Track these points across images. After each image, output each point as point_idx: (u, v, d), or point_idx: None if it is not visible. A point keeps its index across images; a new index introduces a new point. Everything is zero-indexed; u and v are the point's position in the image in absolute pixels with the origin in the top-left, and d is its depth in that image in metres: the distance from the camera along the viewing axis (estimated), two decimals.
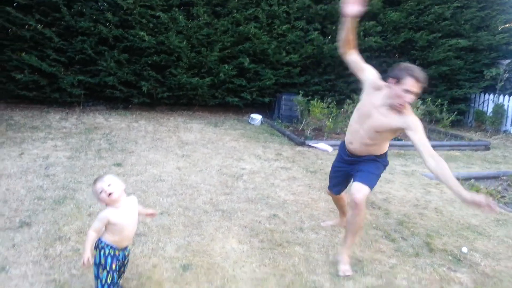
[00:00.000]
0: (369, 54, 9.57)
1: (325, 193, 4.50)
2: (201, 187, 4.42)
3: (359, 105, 2.93)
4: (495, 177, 5.85)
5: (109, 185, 2.20)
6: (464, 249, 3.32)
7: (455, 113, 9.03)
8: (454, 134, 8.74)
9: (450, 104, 9.42)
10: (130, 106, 8.87)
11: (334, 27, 9.31)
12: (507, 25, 10.46)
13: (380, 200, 4.44)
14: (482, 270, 2.99)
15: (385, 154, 3.03)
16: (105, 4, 7.95)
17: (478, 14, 9.86)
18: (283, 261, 2.89)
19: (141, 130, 7.04)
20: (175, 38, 8.13)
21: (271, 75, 8.98)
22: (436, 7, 9.55)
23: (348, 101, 8.23)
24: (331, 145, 6.86)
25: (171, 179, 4.61)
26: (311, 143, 6.87)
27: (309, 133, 7.55)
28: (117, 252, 2.24)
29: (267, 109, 9.69)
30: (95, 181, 2.25)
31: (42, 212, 3.43)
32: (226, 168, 5.22)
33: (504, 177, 5.83)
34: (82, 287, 2.43)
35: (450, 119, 8.60)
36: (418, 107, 8.04)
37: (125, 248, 2.32)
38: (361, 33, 9.26)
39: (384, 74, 9.86)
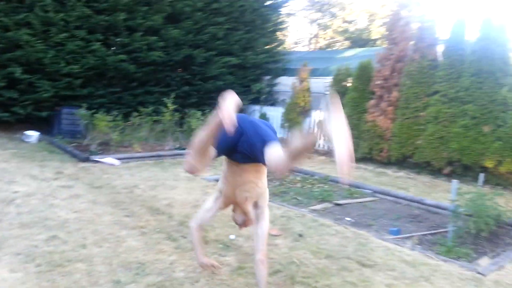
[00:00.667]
0: (153, 68, 10.01)
1: (110, 207, 4.58)
2: None
3: None
4: None
5: None
6: (232, 236, 3.99)
7: None
8: None
9: None
10: None
11: (117, 39, 9.33)
12: (266, 47, 12.65)
13: (164, 205, 4.80)
14: (244, 251, 3.67)
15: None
16: None
17: (245, 36, 11.59)
18: (63, 280, 2.87)
19: None
20: None
21: (49, 87, 8.32)
22: (210, 27, 10.74)
23: (135, 113, 8.40)
24: (120, 158, 6.90)
25: None
26: (97, 158, 6.74)
27: (95, 148, 7.37)
28: None
29: (45, 125, 8.90)
30: None
31: None
32: None
33: None
34: None
35: None
36: (198, 118, 8.89)
37: None
38: (145, 47, 9.58)
39: (168, 87, 10.48)
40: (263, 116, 11.42)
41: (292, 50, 21.06)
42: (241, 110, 9.88)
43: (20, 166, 5.99)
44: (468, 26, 7.35)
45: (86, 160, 6.64)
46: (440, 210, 5.44)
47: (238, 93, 9.82)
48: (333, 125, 1.81)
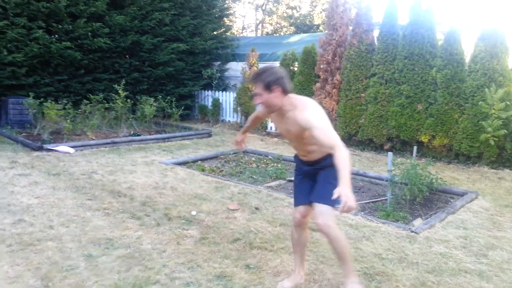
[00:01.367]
0: (100, 55, 9.86)
1: (71, 192, 4.68)
2: None
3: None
4: (215, 157, 7.36)
5: None
6: (193, 212, 4.26)
7: (183, 108, 10.47)
8: (184, 126, 10.17)
9: (178, 101, 10.80)
10: None
11: (60, 26, 9.08)
12: (214, 33, 12.78)
13: (125, 188, 4.96)
14: (206, 224, 3.97)
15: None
16: None
17: (192, 22, 11.64)
18: (36, 257, 3.03)
19: None
20: None
21: None
22: (156, 13, 10.69)
23: (85, 101, 8.31)
24: (74, 147, 6.88)
25: None
26: (50, 146, 6.68)
27: (47, 137, 7.26)
28: None
29: None
30: None
31: None
32: None
33: (222, 156, 7.41)
34: None
35: (179, 113, 9.94)
36: (151, 104, 8.96)
37: None
38: (89, 33, 9.40)
39: (118, 74, 10.44)
40: (216, 101, 11.65)
41: (240, 36, 21.26)
42: (192, 96, 9.92)
43: None
44: (400, 10, 7.96)
45: (40, 149, 6.56)
46: (381, 181, 6.00)
47: (189, 79, 10.12)
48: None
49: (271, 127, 10.43)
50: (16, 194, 4.45)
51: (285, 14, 26.41)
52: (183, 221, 4.03)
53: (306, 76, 9.11)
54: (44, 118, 7.73)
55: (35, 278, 2.74)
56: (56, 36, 9.14)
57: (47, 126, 7.64)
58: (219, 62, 12.51)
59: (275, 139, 9.53)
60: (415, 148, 5.63)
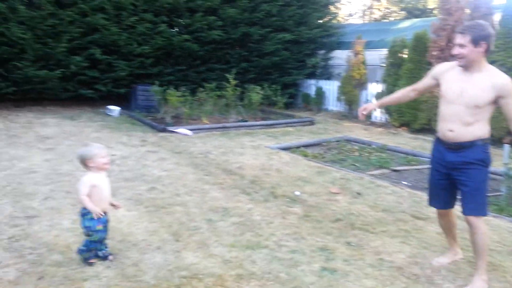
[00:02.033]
0: (213, 46, 10.69)
1: (192, 168, 5.33)
2: (77, 174, 4.74)
3: (444, 94, 2.72)
4: (318, 144, 7.57)
5: (106, 155, 2.72)
6: (297, 193, 4.57)
7: (287, 96, 10.83)
8: (288, 114, 10.54)
9: (282, 89, 11.19)
10: None
11: (180, 20, 10.07)
12: (320, 21, 12.84)
13: (235, 168, 5.47)
14: (309, 204, 4.25)
15: (488, 139, 2.67)
16: None
17: (298, 11, 11.87)
18: (167, 217, 3.63)
19: None
20: (17, 29, 7.74)
21: (125, 66, 9.26)
22: (265, 4, 11.15)
23: (201, 89, 9.16)
24: (191, 129, 7.70)
25: (43, 170, 4.79)
26: (172, 129, 7.57)
27: (169, 120, 8.21)
28: (101, 215, 2.73)
29: (123, 100, 9.94)
30: (95, 147, 2.70)
31: None
32: None
33: (324, 144, 7.59)
34: None
35: (283, 101, 10.33)
36: (258, 92, 9.47)
37: (105, 213, 2.77)
38: (205, 26, 10.25)
39: (228, 64, 11.20)
40: (319, 90, 11.79)
41: (346, 23, 20.86)
42: (296, 85, 10.26)
43: (111, 135, 6.95)
44: None
45: (164, 130, 7.50)
46: (496, 176, 5.63)
47: (293, 68, 10.44)
48: None
49: (375, 117, 10.25)
50: (148, 167, 5.24)
51: None
52: (287, 199, 4.35)
53: (416, 63, 8.74)
54: (166, 104, 8.75)
55: (168, 234, 3.31)
56: (177, 29, 10.16)
57: (169, 111, 8.63)
58: (323, 51, 12.57)
59: (380, 129, 9.36)
60: None
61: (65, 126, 7.40)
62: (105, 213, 2.80)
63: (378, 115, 10.19)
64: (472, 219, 2.63)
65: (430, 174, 2.93)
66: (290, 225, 3.62)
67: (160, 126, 7.64)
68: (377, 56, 10.76)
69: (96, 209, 2.67)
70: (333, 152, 7.00)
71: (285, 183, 4.90)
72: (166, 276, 2.65)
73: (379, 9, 26.58)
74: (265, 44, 11.38)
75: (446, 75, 2.72)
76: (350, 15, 27.37)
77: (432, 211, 4.11)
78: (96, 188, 2.73)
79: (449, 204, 2.91)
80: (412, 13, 22.64)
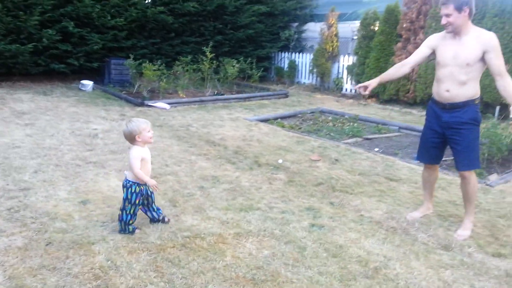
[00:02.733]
0: (188, 19, 10.58)
1: (175, 140, 5.46)
2: (62, 148, 4.80)
3: (439, 59, 3.02)
4: (294, 116, 7.83)
5: (151, 129, 2.83)
6: (280, 161, 4.82)
7: (262, 69, 10.96)
8: (262, 87, 10.70)
9: (257, 63, 11.28)
10: None
11: None
12: None
13: (218, 139, 5.66)
14: (292, 171, 4.51)
15: (478, 99, 2.98)
16: None
17: None
18: (161, 186, 3.79)
19: None
20: None
21: (98, 39, 9.08)
22: None
23: (177, 62, 9.13)
24: (168, 103, 7.75)
25: (27, 145, 4.80)
26: (150, 102, 7.60)
27: (145, 95, 8.21)
28: (142, 188, 2.86)
29: (95, 75, 9.77)
30: (141, 121, 2.82)
31: None
32: (78, 130, 5.60)
33: (300, 115, 7.86)
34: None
35: (258, 74, 10.46)
36: (234, 66, 9.55)
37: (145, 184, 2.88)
38: None
39: (203, 37, 11.15)
40: (292, 63, 11.96)
41: None
42: (269, 58, 10.45)
43: (88, 110, 6.92)
44: None
45: (141, 104, 7.52)
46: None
47: (267, 41, 10.59)
48: None
49: (346, 89, 10.59)
50: None
51: None
52: (271, 167, 4.60)
53: (387, 35, 9.05)
54: (140, 78, 8.69)
55: (164, 200, 3.50)
56: (150, 1, 9.97)
57: (143, 85, 8.60)
58: (297, 23, 12.66)
59: (350, 100, 9.72)
60: (497, 108, 5.61)
61: (40, 101, 7.28)
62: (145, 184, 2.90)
63: (349, 87, 10.54)
64: (466, 173, 3.00)
65: (424, 133, 3.24)
66: (277, 190, 3.88)
67: (138, 100, 7.64)
68: (349, 29, 10.99)
69: (152, 181, 2.81)
70: (309, 123, 7.28)
71: (267, 153, 5.14)
72: (170, 236, 2.86)
73: None
74: (239, 16, 11.35)
75: (441, 43, 3.02)
76: None
77: (404, 174, 4.50)
78: (143, 162, 2.86)
79: (438, 160, 3.25)
80: None
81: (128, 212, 2.86)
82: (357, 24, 10.24)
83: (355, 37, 10.36)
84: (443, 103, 3.01)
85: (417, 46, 8.46)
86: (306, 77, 11.86)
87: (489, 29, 7.23)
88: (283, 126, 6.79)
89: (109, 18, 9.10)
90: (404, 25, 8.62)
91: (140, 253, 2.65)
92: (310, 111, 8.12)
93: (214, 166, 4.49)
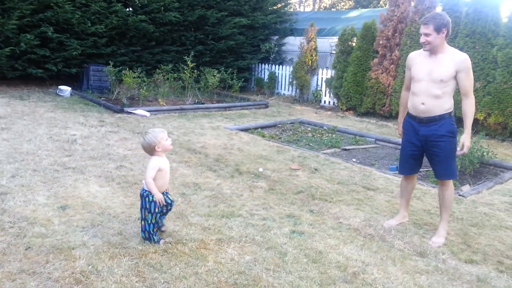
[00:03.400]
0: (169, 28, 10.62)
1: None
2: (40, 153, 4.72)
3: (414, 75, 3.18)
4: (274, 126, 7.93)
5: (168, 137, 2.81)
6: (260, 169, 4.88)
7: (242, 80, 11.07)
8: (242, 97, 10.79)
9: (237, 73, 11.39)
10: None
11: (136, 0, 9.88)
12: (275, 7, 13.13)
13: (199, 147, 5.67)
14: (272, 179, 4.58)
15: (453, 113, 3.13)
16: None
17: None
18: None
19: None
20: None
21: (77, 45, 8.98)
22: None
23: (157, 71, 9.12)
24: (148, 111, 7.72)
25: (3, 149, 4.70)
26: (130, 109, 7.55)
27: (125, 102, 8.16)
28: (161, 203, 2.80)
29: (73, 81, 9.63)
30: (157, 132, 2.78)
31: None
32: (56, 136, 5.51)
33: (280, 125, 7.97)
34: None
35: (238, 85, 10.56)
36: (215, 75, 9.62)
37: (164, 192, 2.86)
38: (162, 8, 10.14)
39: (184, 46, 11.21)
40: (272, 75, 12.13)
41: (297, 10, 21.32)
42: (250, 69, 10.61)
43: (66, 115, 6.81)
44: None
45: (121, 111, 7.45)
46: None
47: (248, 53, 10.78)
48: None
49: (324, 101, 10.81)
50: (112, 146, 5.28)
51: None
52: (252, 175, 4.65)
53: (364, 51, 9.33)
54: (120, 85, 8.63)
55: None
56: (132, 9, 9.96)
57: (123, 92, 8.54)
58: (277, 37, 12.89)
59: (329, 112, 9.92)
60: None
61: (16, 105, 7.12)
62: (163, 193, 2.88)
63: (327, 99, 10.76)
64: (445, 181, 3.20)
65: (403, 146, 3.38)
66: (258, 197, 3.93)
67: (117, 107, 7.58)
68: (328, 44, 11.27)
69: (159, 195, 2.74)
70: (288, 133, 7.39)
71: (248, 161, 5.19)
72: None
73: None
74: (221, 27, 11.47)
75: (416, 61, 3.20)
76: (301, 1, 27.93)
77: (380, 183, 4.64)
78: (161, 172, 2.82)
79: (416, 170, 3.42)
80: (359, 2, 23.62)
81: (150, 222, 2.82)
82: (335, 39, 10.51)
83: (334, 52, 10.63)
84: (419, 117, 3.16)
85: (392, 62, 8.80)
86: (286, 88, 12.04)
87: (461, 48, 7.64)
88: (263, 136, 6.86)
89: (89, 24, 9.03)
90: (381, 42, 8.92)
91: (122, 258, 2.64)
92: (290, 121, 8.24)
93: (196, 174, 4.50)
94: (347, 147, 6.57)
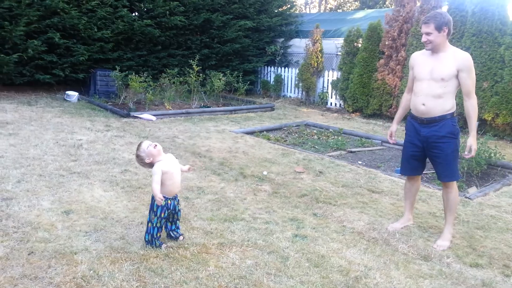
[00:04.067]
0: (175, 32, 10.68)
1: None
2: (46, 158, 4.76)
3: (416, 74, 3.17)
4: (279, 128, 7.92)
5: (152, 143, 2.81)
6: (265, 172, 4.87)
7: (248, 83, 11.08)
8: (248, 100, 10.81)
9: (243, 76, 11.40)
10: None
11: (141, 5, 9.96)
12: (280, 9, 13.14)
13: (204, 151, 5.68)
14: (276, 182, 4.57)
15: (455, 113, 3.10)
16: None
17: None
18: (145, 196, 3.80)
19: None
20: None
21: (84, 51, 9.07)
22: None
23: (164, 75, 9.17)
24: (154, 115, 7.76)
25: (10, 154, 4.75)
26: (136, 114, 7.60)
27: (131, 106, 8.20)
28: (169, 202, 2.84)
29: (80, 86, 9.73)
30: (139, 145, 2.81)
31: None
32: (63, 141, 5.56)
33: (285, 128, 7.95)
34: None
35: (244, 88, 10.57)
36: (220, 79, 9.64)
37: (175, 197, 2.88)
38: (167, 12, 10.20)
39: (189, 50, 11.28)
40: (278, 77, 12.13)
41: (303, 12, 21.30)
42: (256, 72, 10.64)
43: (73, 120, 6.87)
44: None
45: (127, 116, 7.50)
46: None
47: (253, 56, 10.81)
48: None
49: (331, 103, 10.77)
50: (117, 151, 5.32)
51: None
52: (256, 178, 4.65)
53: (370, 52, 9.28)
54: (126, 89, 8.69)
55: (148, 210, 3.49)
56: (137, 14, 10.04)
57: (130, 96, 8.60)
58: (282, 39, 12.89)
59: (335, 114, 9.88)
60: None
61: (24, 111, 7.21)
62: (174, 198, 2.90)
63: (334, 101, 10.72)
64: (448, 183, 3.15)
65: (404, 146, 3.35)
66: (262, 201, 3.92)
67: (124, 112, 7.63)
68: (333, 45, 11.24)
69: (159, 195, 2.74)
70: (294, 136, 7.37)
71: (253, 164, 5.18)
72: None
73: None
74: (226, 31, 11.51)
75: (418, 60, 3.19)
76: (307, 3, 27.91)
77: (386, 186, 4.59)
78: (167, 174, 2.82)
79: (419, 171, 3.38)
80: (365, 3, 23.53)
81: (154, 225, 2.83)
82: (341, 40, 10.47)
83: (339, 53, 10.59)
84: (420, 118, 3.14)
85: (398, 63, 8.73)
86: (292, 91, 12.02)
87: (468, 48, 7.56)
88: (268, 139, 6.85)
89: (95, 30, 9.12)
90: (386, 43, 8.87)
91: (123, 262, 2.64)
92: (295, 124, 8.22)
93: (200, 177, 4.51)
94: (353, 149, 6.53)
